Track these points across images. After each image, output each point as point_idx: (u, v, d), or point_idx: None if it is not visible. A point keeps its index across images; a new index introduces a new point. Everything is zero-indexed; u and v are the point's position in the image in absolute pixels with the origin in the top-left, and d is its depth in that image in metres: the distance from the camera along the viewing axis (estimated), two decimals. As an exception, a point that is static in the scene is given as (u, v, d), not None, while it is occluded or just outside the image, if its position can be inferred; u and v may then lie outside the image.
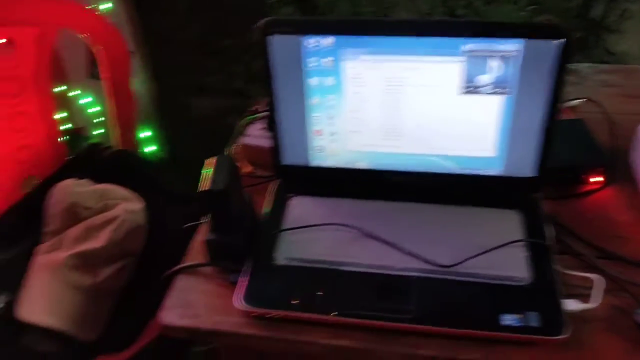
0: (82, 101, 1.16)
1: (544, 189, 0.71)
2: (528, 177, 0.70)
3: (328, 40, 0.65)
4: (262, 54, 0.66)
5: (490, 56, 0.63)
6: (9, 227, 0.84)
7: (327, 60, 0.66)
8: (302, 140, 0.72)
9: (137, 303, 0.85)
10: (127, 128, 1.01)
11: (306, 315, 0.60)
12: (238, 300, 0.62)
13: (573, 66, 0.85)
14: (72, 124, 1.13)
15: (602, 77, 0.93)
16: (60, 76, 1.10)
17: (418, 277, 0.63)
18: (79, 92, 1.16)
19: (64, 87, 1.10)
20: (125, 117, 1.01)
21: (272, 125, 0.72)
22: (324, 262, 0.65)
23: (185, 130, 1.76)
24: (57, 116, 0.96)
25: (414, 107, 0.68)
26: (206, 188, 0.64)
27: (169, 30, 1.46)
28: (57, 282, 0.79)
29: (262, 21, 0.63)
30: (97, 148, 0.93)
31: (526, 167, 0.69)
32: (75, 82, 1.15)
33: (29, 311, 0.77)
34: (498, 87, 0.65)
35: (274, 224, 0.71)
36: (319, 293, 0.62)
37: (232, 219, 0.66)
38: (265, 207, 0.73)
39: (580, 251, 0.66)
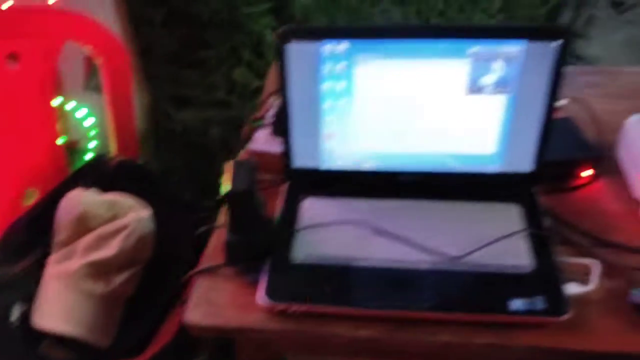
0: (77, 114, 1.17)
1: (539, 184, 0.76)
2: (526, 172, 0.74)
3: (342, 46, 0.68)
4: (279, 61, 0.69)
5: (494, 58, 0.68)
6: (19, 240, 0.85)
7: (340, 65, 0.70)
8: (313, 144, 0.75)
9: (146, 309, 0.86)
10: (127, 139, 1.02)
11: (329, 308, 0.63)
12: (261, 297, 0.64)
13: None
14: (67, 137, 1.13)
15: (585, 78, 0.99)
16: (58, 89, 1.10)
17: (430, 270, 0.67)
18: (74, 104, 1.16)
19: (60, 100, 1.11)
20: (125, 128, 1.02)
21: (284, 129, 0.75)
22: (340, 258, 0.68)
23: (169, 142, 1.77)
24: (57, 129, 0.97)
25: (422, 108, 0.72)
26: (229, 189, 0.67)
27: (146, 43, 1.48)
28: (71, 291, 0.79)
29: (280, 29, 0.67)
30: (102, 159, 0.94)
31: (524, 163, 0.74)
32: (71, 95, 1.15)
33: (45, 320, 0.77)
34: (500, 87, 0.70)
35: (289, 224, 0.73)
36: (338, 288, 0.65)
37: (254, 219, 0.68)
38: (278, 209, 0.76)
39: (576, 240, 0.71)
